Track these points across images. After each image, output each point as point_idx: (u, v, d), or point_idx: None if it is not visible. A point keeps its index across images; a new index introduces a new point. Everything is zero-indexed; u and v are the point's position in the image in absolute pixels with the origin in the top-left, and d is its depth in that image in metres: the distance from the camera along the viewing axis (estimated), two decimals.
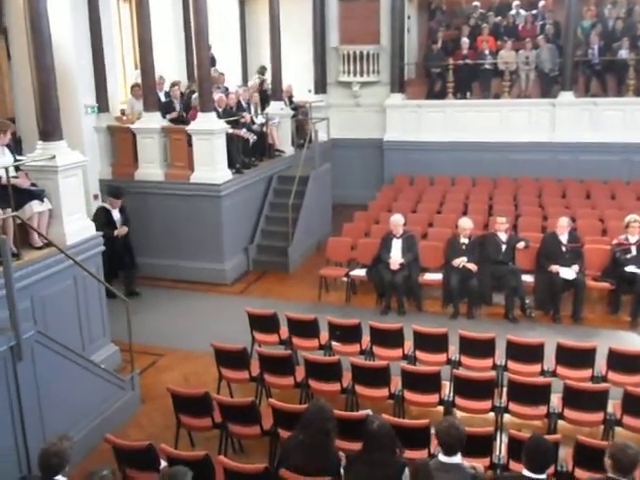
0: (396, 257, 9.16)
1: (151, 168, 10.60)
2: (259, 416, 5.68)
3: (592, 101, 13.25)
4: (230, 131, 10.71)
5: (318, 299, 9.63)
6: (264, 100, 13.15)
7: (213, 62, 12.79)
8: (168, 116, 11.06)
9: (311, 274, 10.31)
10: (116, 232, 9.59)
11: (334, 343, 7.26)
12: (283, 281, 10.67)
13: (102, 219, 9.43)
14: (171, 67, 13.22)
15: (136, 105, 11.15)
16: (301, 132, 13.60)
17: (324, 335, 7.34)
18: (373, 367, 6.48)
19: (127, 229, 9.78)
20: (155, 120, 10.59)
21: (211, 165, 10.22)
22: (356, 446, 4.66)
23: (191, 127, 10.32)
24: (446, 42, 14.68)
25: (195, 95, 10.88)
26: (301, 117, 13.80)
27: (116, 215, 9.74)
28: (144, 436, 6.06)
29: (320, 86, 15.08)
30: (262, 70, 14.08)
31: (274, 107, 12.83)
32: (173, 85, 11.71)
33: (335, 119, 14.68)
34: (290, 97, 14.02)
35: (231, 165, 10.68)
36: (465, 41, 14.19)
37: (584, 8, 14.09)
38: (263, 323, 7.55)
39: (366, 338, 7.20)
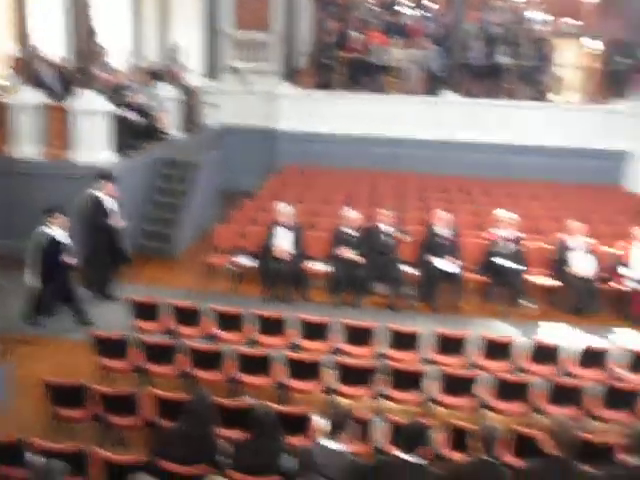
0: (283, 246, 9.20)
1: (26, 145, 9.99)
2: (140, 406, 5.53)
3: (474, 101, 13.91)
4: (115, 111, 10.28)
5: (204, 287, 9.50)
6: (154, 81, 12.74)
7: (95, 36, 12.19)
8: (41, 92, 10.44)
9: (197, 261, 10.14)
10: (113, 222, 8.64)
11: (218, 331, 7.20)
12: (168, 268, 10.42)
13: (98, 209, 8.48)
14: (54, 41, 12.49)
15: (14, 79, 10.47)
16: (191, 117, 13.31)
17: (209, 323, 7.25)
18: (257, 355, 6.48)
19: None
20: (32, 95, 9.98)
21: (92, 145, 9.77)
22: (239, 434, 4.65)
23: (71, 104, 9.80)
24: (338, 34, 14.87)
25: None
26: (191, 102, 13.50)
27: (109, 202, 8.67)
28: (15, 429, 5.73)
29: (211, 71, 14.81)
30: (173, 48, 13.49)
31: (163, 89, 12.46)
32: (41, 60, 11.04)
33: (226, 105, 14.48)
34: (180, 80, 13.66)
35: (116, 147, 10.26)
36: (356, 35, 14.43)
37: (469, 12, 14.76)
38: (146, 310, 7.34)
39: (251, 326, 7.19)
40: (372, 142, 13.69)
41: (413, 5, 15.67)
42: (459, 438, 5.10)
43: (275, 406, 5.29)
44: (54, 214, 7.93)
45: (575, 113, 13.96)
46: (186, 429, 4.42)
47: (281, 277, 9.10)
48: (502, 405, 6.08)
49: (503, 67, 13.95)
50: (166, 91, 12.44)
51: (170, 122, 12.47)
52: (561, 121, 13.60)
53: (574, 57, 15.97)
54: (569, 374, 6.65)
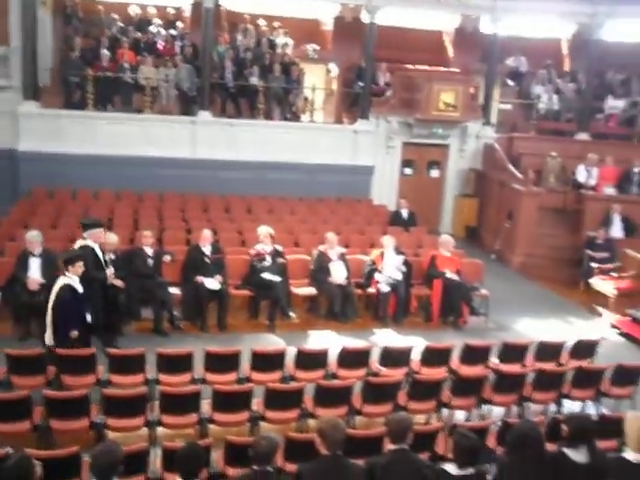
0: (35, 276, 8.47)
1: None
2: None
3: (228, 122, 14.17)
4: None
5: None
6: None
7: None
8: None
9: None
10: (109, 273, 8.11)
11: None
12: None
13: (93, 261, 7.71)
14: None
15: None
16: None
17: None
18: (9, 399, 5.84)
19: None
20: None
21: None
22: None
23: None
24: (84, 51, 14.15)
25: None
26: None
27: (100, 253, 8.02)
28: None
29: None
30: None
31: None
32: None
33: None
34: None
35: None
36: (105, 53, 13.87)
37: (219, 34, 15.07)
38: None
39: (2, 368, 6.50)
40: (127, 163, 13.21)
41: (163, 23, 15.47)
42: (235, 453, 5.11)
43: (38, 452, 4.83)
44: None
45: (326, 133, 14.96)
46: None
47: (34, 310, 8.36)
48: (275, 415, 6.23)
49: (255, 88, 14.42)
50: None
51: None
52: (313, 140, 14.45)
53: (321, 81, 17.06)
54: (334, 376, 7.05)
